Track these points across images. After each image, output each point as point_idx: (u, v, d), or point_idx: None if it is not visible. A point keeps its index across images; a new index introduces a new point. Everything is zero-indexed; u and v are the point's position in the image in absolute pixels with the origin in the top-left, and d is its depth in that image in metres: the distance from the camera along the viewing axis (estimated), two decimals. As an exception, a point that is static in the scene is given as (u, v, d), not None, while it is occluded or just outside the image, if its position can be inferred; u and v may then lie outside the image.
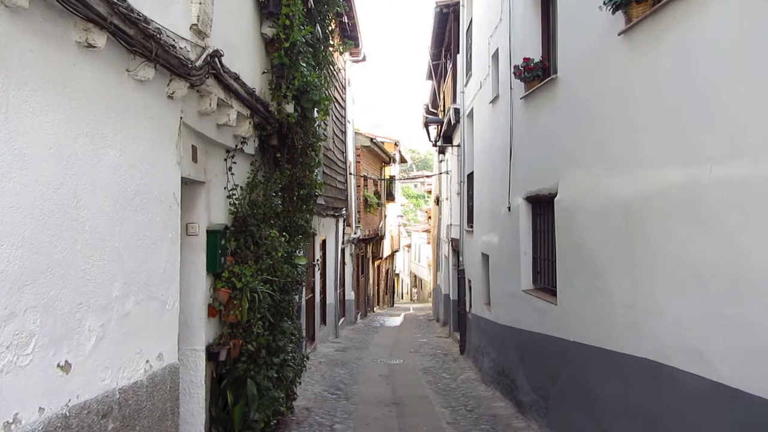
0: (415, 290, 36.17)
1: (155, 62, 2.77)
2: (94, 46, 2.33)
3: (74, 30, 2.27)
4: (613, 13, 3.66)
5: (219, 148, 4.22)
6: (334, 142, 10.94)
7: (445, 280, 14.98)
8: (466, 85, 10.45)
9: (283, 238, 4.74)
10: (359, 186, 15.90)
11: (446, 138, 13.40)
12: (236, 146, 4.42)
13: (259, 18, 4.79)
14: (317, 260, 8.63)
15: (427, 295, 32.28)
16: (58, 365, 2.19)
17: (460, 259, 10.91)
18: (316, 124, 5.78)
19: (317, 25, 5.60)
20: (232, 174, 4.37)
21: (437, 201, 18.51)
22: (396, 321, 18.12)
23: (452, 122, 11.69)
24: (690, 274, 2.96)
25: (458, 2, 11.13)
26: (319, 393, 6.92)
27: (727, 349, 2.68)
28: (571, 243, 4.55)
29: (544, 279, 5.56)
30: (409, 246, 40.69)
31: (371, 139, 16.89)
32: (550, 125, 5.14)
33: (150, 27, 2.63)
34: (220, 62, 3.54)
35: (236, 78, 3.93)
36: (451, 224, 13.36)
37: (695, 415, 2.89)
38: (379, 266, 23.49)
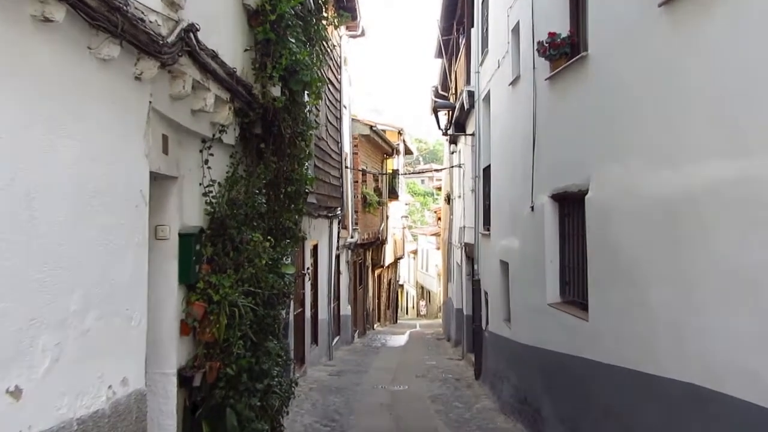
0: (422, 304, 36.23)
1: (121, 38, 2.77)
2: (52, 20, 2.34)
3: (29, 2, 2.28)
4: (653, -21, 3.67)
5: (194, 138, 4.23)
6: (327, 130, 10.95)
7: (458, 293, 14.99)
8: (481, 64, 10.46)
9: (267, 243, 4.76)
10: (357, 182, 15.92)
11: (458, 126, 13.41)
12: (214, 135, 4.44)
13: (240, -14, 4.84)
14: (307, 269, 8.64)
15: (437, 310, 32.30)
16: (7, 391, 2.20)
17: (475, 267, 10.93)
18: (307, 109, 5.80)
19: (308, -7, 5.65)
20: (209, 168, 4.39)
21: (448, 199, 18.54)
22: (400, 340, 18.13)
23: (465, 107, 11.69)
24: (745, 284, 2.95)
25: (472, -33, 11.17)
26: (310, 425, 6.93)
27: (788, 372, 2.68)
28: (604, 248, 4.56)
29: (574, 291, 5.57)
30: (415, 252, 40.75)
31: (371, 127, 16.92)
32: (579, 111, 5.15)
33: (114, -3, 2.65)
34: (196, 38, 3.55)
35: (214, 56, 3.94)
36: (464, 226, 13.37)
37: (750, 449, 2.90)
38: (380, 276, 23.51)
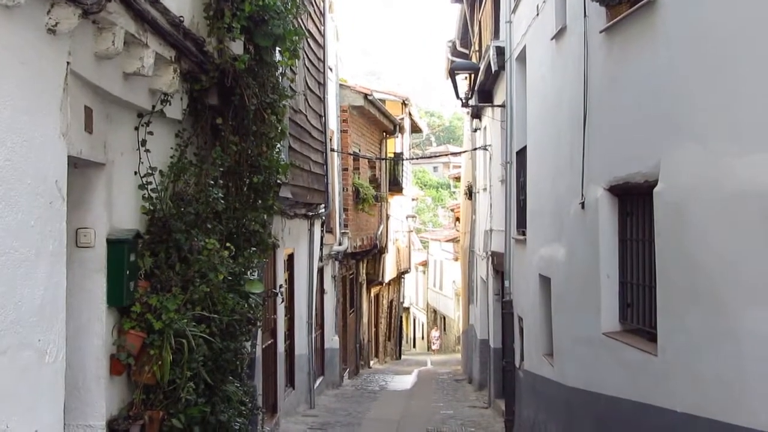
0: (435, 334, 36.24)
1: (28, -24, 2.80)
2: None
3: None
4: None
5: (127, 111, 4.24)
6: (306, 100, 10.95)
7: (482, 319, 14.97)
8: (514, 11, 10.45)
9: (226, 252, 4.80)
10: (347, 169, 15.95)
11: (483, 94, 13.33)
12: (154, 108, 4.46)
13: None
14: (280, 287, 8.64)
15: (454, 341, 32.33)
16: None
17: (506, 284, 10.90)
18: (279, 72, 5.83)
19: None
20: (147, 151, 4.41)
21: (469, 193, 18.57)
22: (405, 382, 18.14)
23: (493, 69, 11.67)
24: None
25: None
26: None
27: None
28: (679, 258, 4.56)
29: (638, 315, 5.57)
30: (424, 264, 40.80)
31: (366, 96, 16.96)
32: (646, 74, 5.14)
33: None
34: (130, -24, 3.58)
35: (154, 1, 3.96)
36: (490, 229, 13.35)
37: None
38: (377, 296, 23.54)
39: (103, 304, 3.94)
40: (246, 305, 5.06)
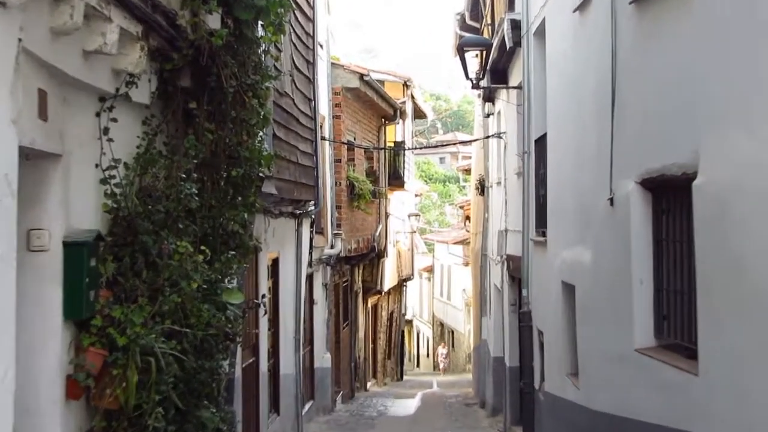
0: (442, 351, 36.27)
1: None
2: None
3: None
4: None
5: (87, 95, 4.24)
6: (294, 82, 10.96)
7: (496, 333, 14.99)
8: (531, -22, 10.47)
9: (201, 257, 4.81)
10: (340, 161, 15.96)
11: (497, 74, 13.36)
12: (118, 91, 4.45)
13: None
14: (263, 297, 8.60)
15: (464, 359, 32.33)
16: None
17: (524, 293, 10.91)
18: (262, 49, 5.84)
19: None
20: (110, 141, 4.41)
21: (481, 188, 18.59)
22: (408, 406, 18.14)
23: (507, 46, 11.67)
24: None
25: None
26: None
27: None
28: (723, 262, 4.55)
29: (676, 329, 5.56)
30: (430, 270, 40.81)
31: (362, 77, 16.99)
32: (685, 49, 5.14)
33: None
34: (89, -62, 3.58)
35: (118, -33, 3.96)
36: (506, 230, 13.37)
37: None
38: (375, 308, 23.53)
39: (58, 317, 3.93)
40: (223, 318, 5.04)
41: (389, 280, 23.48)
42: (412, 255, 30.02)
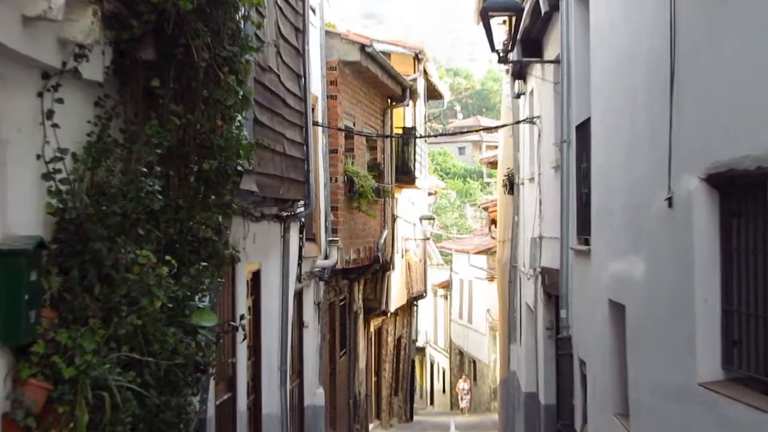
0: (463, 387, 36.27)
1: None
2: None
3: None
4: None
5: (28, 71, 4.32)
6: (279, 54, 10.94)
7: (528, 363, 15.20)
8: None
9: (165, 269, 4.91)
10: (335, 151, 16.13)
11: (529, 45, 13.55)
12: (65, 65, 4.51)
13: None
14: (241, 318, 8.67)
15: (488, 395, 32.52)
16: None
17: (562, 314, 11.02)
18: (241, 14, 5.91)
19: None
20: (55, 126, 4.46)
21: (509, 185, 18.84)
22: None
23: (542, 10, 11.82)
24: None
25: None
26: None
27: None
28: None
29: (749, 358, 5.53)
30: (446, 286, 41.34)
31: (363, 48, 17.03)
32: (758, 20, 5.08)
33: None
34: None
35: None
36: (540, 237, 13.58)
37: None
38: (379, 332, 23.78)
39: (-9, 343, 3.98)
40: (193, 344, 5.13)
41: (396, 299, 23.69)
42: (424, 267, 30.44)
